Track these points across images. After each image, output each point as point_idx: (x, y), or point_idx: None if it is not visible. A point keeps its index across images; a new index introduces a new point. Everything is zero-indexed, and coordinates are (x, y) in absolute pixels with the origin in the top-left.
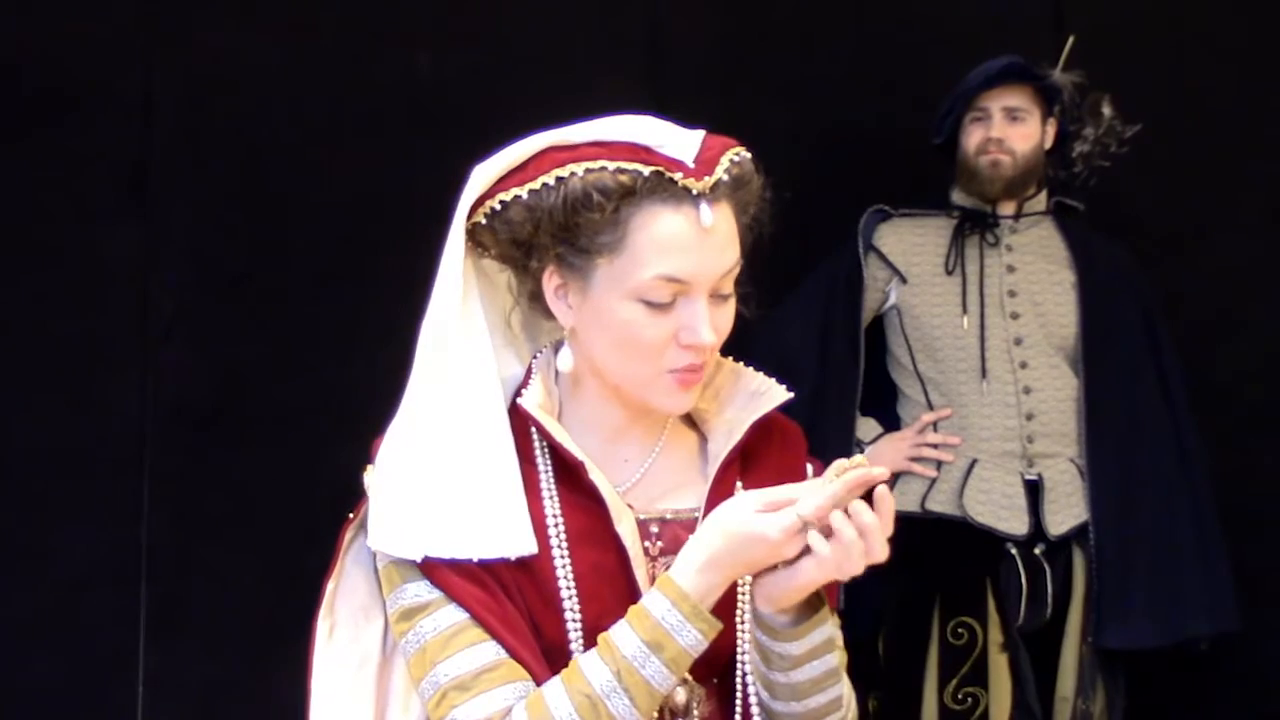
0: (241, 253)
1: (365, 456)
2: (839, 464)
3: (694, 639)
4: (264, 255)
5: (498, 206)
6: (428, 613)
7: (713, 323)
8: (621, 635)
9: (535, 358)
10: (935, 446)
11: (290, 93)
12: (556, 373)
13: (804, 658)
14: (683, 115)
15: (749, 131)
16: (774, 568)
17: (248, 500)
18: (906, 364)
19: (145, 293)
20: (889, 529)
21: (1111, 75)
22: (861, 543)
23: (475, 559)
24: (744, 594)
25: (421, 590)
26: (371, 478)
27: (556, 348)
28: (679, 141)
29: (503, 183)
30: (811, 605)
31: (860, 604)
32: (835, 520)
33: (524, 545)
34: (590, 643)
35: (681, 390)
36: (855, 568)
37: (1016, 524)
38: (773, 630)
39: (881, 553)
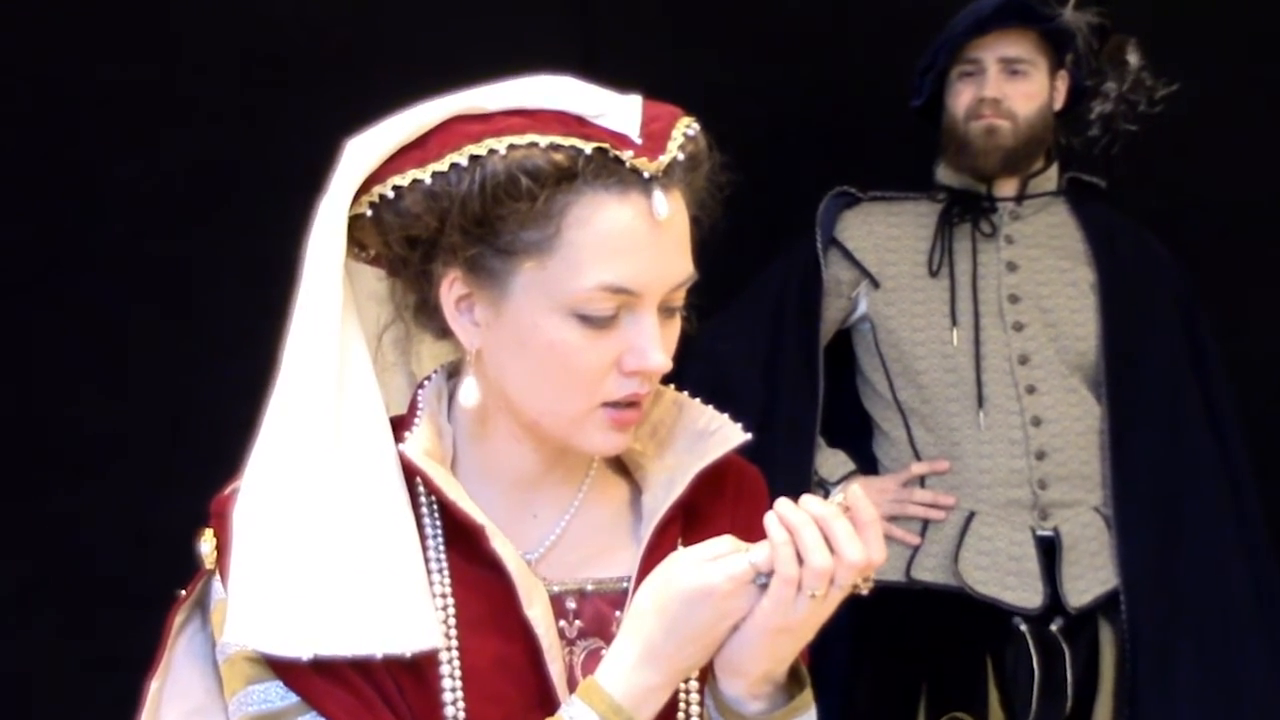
0: (35, 238)
1: (203, 515)
2: (808, 499)
3: None
4: (67, 241)
5: (389, 194)
6: None
7: (663, 343)
8: None
9: (421, 388)
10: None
11: (100, 33)
12: (450, 408)
13: None
14: (618, 70)
15: (695, 94)
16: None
17: (45, 565)
18: (883, 391)
19: None
20: (871, 534)
21: (1142, 13)
22: (815, 530)
23: (379, 655)
24: (687, 693)
25: (273, 694)
26: (210, 546)
27: (449, 373)
28: (618, 111)
29: (395, 162)
30: (790, 688)
31: (826, 693)
32: (769, 520)
33: (427, 637)
34: None
35: (618, 430)
36: (820, 560)
37: (1027, 594)
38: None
39: (852, 546)
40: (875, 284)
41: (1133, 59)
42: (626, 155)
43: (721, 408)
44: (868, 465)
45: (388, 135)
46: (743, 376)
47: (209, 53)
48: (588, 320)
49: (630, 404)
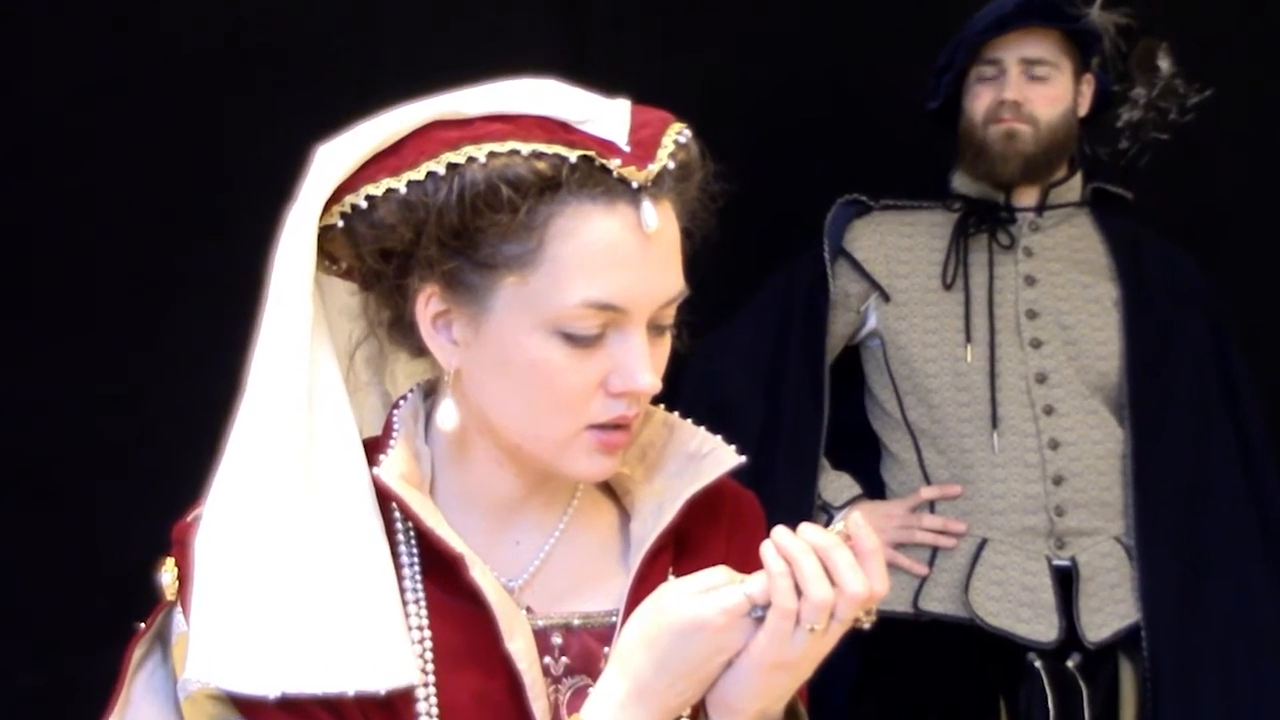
0: None
1: (164, 542)
2: (806, 528)
3: None
4: (20, 250)
5: (362, 203)
6: None
7: (652, 362)
8: None
9: (396, 408)
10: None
11: (68, 24)
12: (427, 430)
13: None
14: (606, 73)
15: (688, 98)
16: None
17: None
18: (892, 410)
19: None
20: (874, 565)
21: (1175, 13)
22: (814, 560)
23: (351, 693)
24: None
25: None
26: (172, 576)
27: (425, 392)
28: (605, 116)
29: (369, 170)
30: None
31: None
32: (766, 550)
33: (402, 674)
34: None
35: (605, 454)
36: (819, 592)
37: (1042, 627)
38: None
39: (853, 577)
40: (886, 297)
41: (1164, 64)
42: (614, 164)
43: (720, 427)
44: (874, 489)
45: (361, 141)
46: (743, 394)
47: (178, 53)
48: (572, 339)
49: (618, 426)
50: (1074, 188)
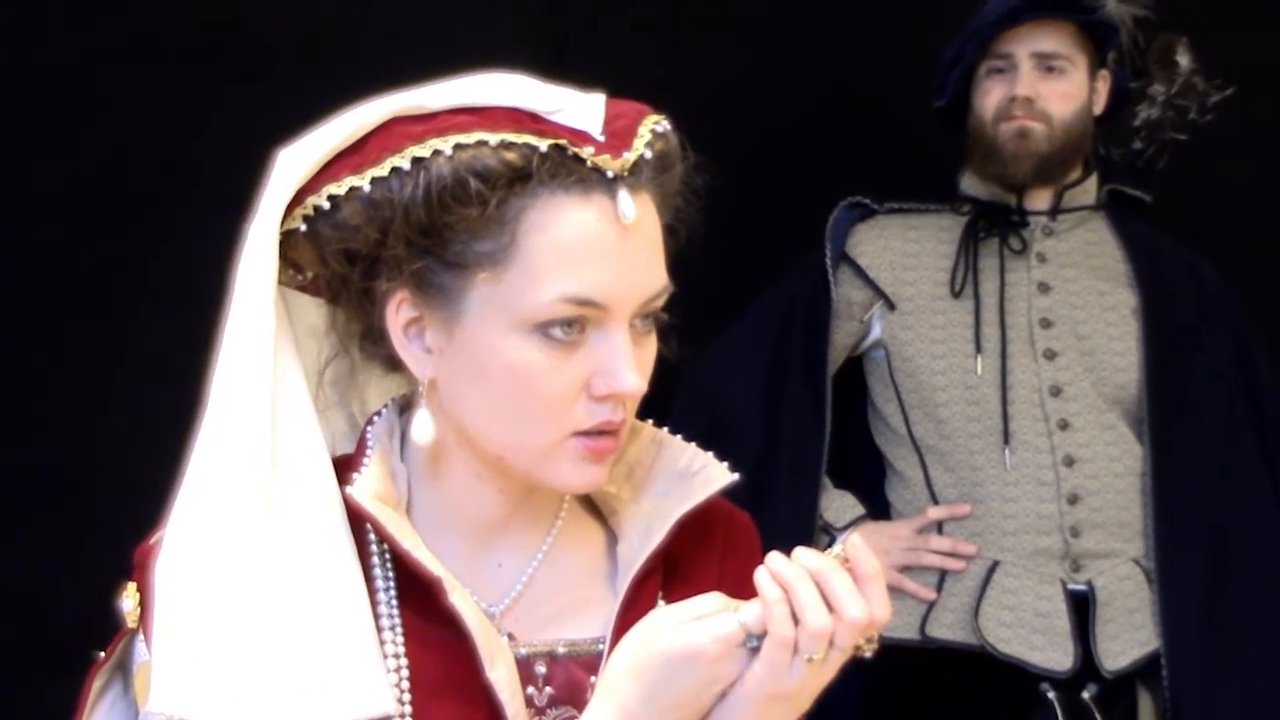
0: None
1: (124, 567)
2: (802, 552)
3: None
4: None
5: (325, 204)
6: None
7: (636, 363)
8: None
9: (371, 423)
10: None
11: (29, 18)
12: (403, 447)
13: None
14: (587, 68)
15: (677, 89)
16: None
17: None
18: (897, 426)
19: None
20: (874, 589)
21: (1196, 7)
22: (811, 586)
23: None
24: None
25: None
26: (133, 602)
27: (401, 407)
28: (577, 107)
29: (331, 169)
30: None
31: None
32: (760, 576)
33: (377, 704)
34: None
35: (593, 462)
36: (817, 620)
37: (1056, 655)
38: None
39: (853, 603)
40: (891, 305)
41: (1183, 60)
42: (587, 152)
43: (716, 444)
44: (879, 509)
45: (322, 141)
46: (740, 409)
47: (147, 52)
48: (551, 338)
49: (604, 432)
50: (1089, 190)
